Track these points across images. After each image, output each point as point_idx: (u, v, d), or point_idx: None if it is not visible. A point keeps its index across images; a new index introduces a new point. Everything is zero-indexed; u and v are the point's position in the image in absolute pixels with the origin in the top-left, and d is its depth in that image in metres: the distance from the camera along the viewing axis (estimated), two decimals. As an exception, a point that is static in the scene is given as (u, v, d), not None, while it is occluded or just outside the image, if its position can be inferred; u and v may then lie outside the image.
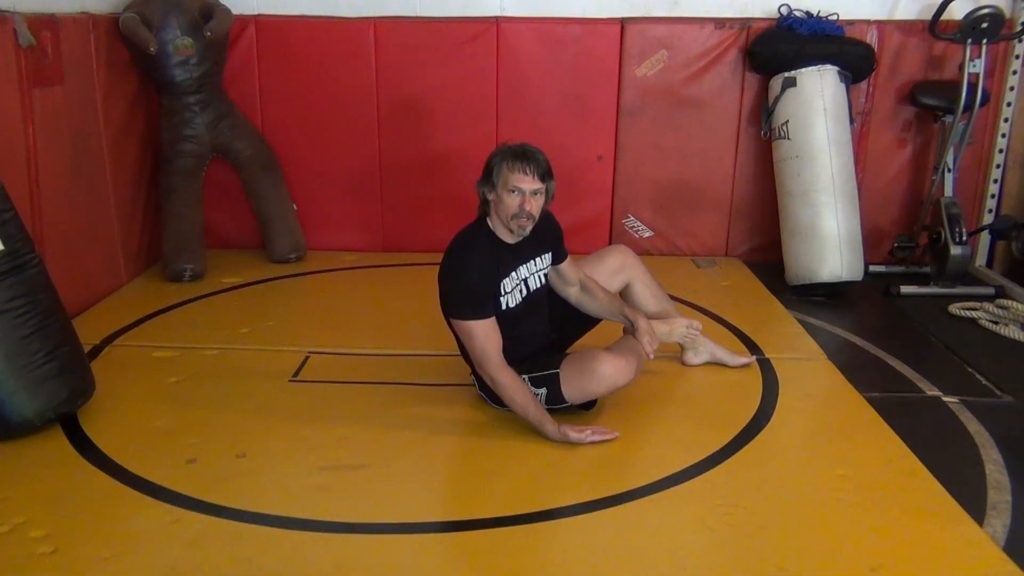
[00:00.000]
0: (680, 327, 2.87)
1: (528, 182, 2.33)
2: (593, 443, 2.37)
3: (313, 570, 1.89)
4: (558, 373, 2.45)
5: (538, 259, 2.54)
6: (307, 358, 3.02)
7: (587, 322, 2.78)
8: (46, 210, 3.19)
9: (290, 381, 2.86)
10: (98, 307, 3.52)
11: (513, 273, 2.47)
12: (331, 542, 2.00)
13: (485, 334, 2.38)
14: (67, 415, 2.50)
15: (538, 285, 2.56)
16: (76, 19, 3.41)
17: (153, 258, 4.05)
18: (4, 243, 2.35)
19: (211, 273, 3.94)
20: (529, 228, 2.39)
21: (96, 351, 3.05)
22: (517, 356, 2.46)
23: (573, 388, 2.46)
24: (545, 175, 2.37)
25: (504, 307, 2.45)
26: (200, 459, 2.34)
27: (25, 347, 2.36)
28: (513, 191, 2.34)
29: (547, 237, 2.55)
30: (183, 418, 2.59)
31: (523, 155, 2.34)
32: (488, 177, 2.39)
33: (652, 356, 2.56)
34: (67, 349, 2.48)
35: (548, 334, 2.68)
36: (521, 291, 2.50)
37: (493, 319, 2.40)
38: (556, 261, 2.61)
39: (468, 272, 2.39)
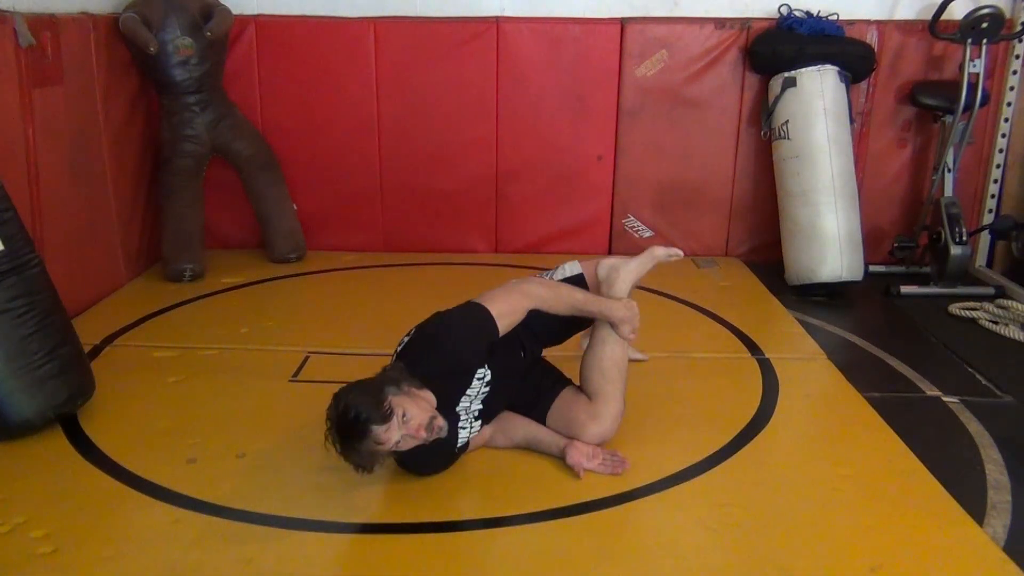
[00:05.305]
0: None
1: (381, 445, 1.97)
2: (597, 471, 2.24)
3: (313, 570, 1.90)
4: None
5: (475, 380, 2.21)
6: (307, 358, 3.02)
7: (568, 332, 2.53)
8: (46, 210, 3.19)
9: (290, 381, 2.86)
10: (98, 307, 3.51)
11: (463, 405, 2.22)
12: (331, 542, 2.00)
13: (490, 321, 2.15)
14: (67, 415, 2.50)
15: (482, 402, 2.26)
16: (76, 19, 3.41)
17: (153, 258, 4.05)
18: (4, 243, 2.35)
19: (211, 273, 3.94)
20: (445, 427, 2.06)
21: (96, 351, 3.05)
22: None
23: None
24: (385, 419, 1.94)
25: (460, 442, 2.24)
26: (200, 459, 2.34)
27: (25, 347, 2.36)
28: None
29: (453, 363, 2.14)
30: (183, 418, 2.60)
31: (350, 452, 1.98)
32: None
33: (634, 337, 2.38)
34: (67, 349, 2.48)
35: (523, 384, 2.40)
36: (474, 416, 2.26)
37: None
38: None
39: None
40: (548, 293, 2.26)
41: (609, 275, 2.41)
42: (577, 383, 2.44)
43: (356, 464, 2.01)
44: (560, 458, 2.29)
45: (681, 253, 2.57)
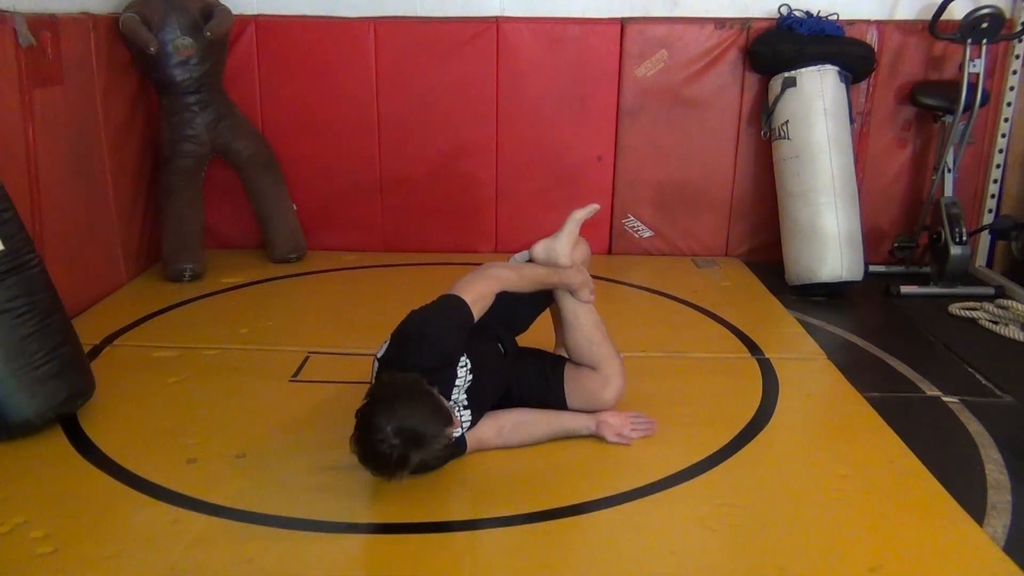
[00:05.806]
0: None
1: (448, 441, 2.07)
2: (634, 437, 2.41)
3: (313, 570, 1.89)
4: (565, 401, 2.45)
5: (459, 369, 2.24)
6: (307, 358, 3.02)
7: (533, 313, 2.60)
8: (46, 210, 3.19)
9: (290, 381, 2.86)
10: (98, 307, 3.51)
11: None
12: (331, 542, 2.00)
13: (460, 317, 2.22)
14: (67, 415, 2.49)
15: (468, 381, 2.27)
16: (76, 19, 3.41)
17: (153, 258, 4.05)
18: (4, 243, 2.34)
19: (211, 273, 3.93)
20: (455, 427, 2.12)
21: (96, 351, 3.05)
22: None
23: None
24: (452, 419, 2.04)
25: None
26: (200, 459, 2.34)
27: (25, 347, 2.36)
28: None
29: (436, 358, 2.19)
30: (183, 418, 2.60)
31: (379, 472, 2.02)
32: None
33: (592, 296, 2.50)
34: (67, 349, 2.48)
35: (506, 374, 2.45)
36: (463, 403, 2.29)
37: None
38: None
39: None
40: (513, 274, 2.39)
41: (548, 254, 2.54)
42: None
43: (396, 476, 2.00)
44: (596, 438, 2.39)
45: (598, 207, 2.71)
